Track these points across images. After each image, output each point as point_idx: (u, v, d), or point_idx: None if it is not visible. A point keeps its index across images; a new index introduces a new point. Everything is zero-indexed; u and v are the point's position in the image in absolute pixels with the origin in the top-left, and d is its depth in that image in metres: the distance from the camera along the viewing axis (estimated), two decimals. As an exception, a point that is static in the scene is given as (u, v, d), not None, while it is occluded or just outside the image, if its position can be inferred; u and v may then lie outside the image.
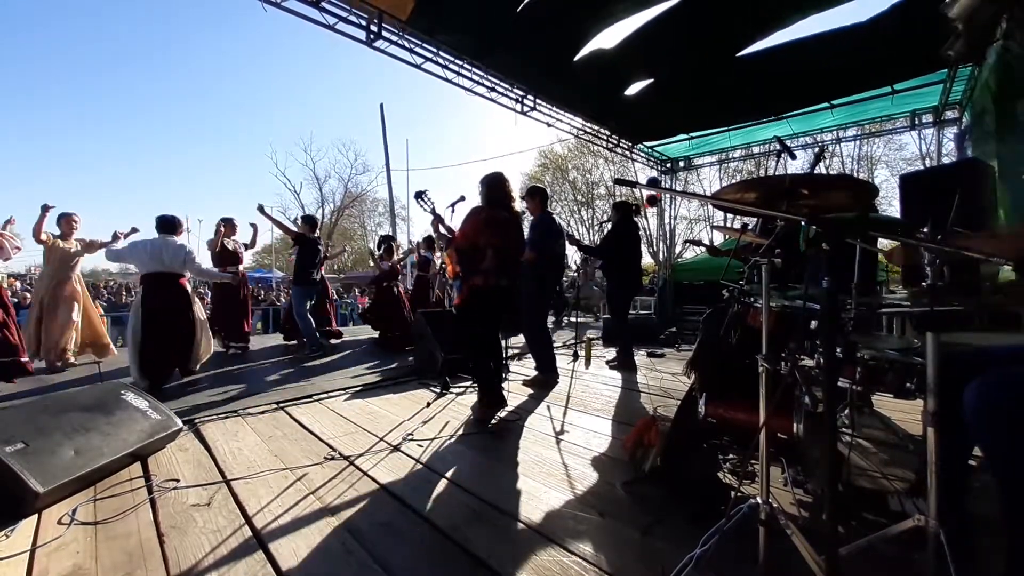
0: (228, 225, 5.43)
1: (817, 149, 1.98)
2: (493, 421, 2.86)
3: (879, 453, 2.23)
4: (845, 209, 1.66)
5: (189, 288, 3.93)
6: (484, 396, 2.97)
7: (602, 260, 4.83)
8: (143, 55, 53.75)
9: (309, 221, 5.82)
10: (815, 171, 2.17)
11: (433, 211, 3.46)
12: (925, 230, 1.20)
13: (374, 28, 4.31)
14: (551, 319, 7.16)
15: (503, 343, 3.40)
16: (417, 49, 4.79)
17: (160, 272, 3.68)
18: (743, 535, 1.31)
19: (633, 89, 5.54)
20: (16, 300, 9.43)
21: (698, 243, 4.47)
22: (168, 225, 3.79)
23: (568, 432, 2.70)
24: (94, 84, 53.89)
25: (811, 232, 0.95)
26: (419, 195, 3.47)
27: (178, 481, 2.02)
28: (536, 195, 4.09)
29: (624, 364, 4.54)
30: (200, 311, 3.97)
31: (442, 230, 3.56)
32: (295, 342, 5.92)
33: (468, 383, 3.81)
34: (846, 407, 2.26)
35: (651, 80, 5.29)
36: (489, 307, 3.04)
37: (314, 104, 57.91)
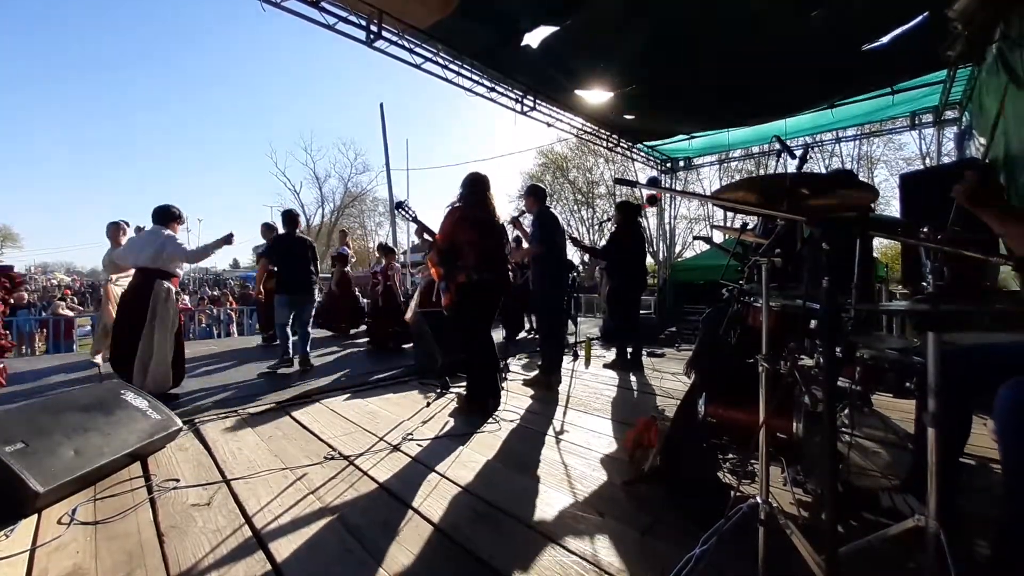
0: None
1: (801, 151, 1.98)
2: (492, 422, 2.86)
3: (879, 453, 2.23)
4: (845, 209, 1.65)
5: (165, 295, 3.30)
6: (468, 394, 3.19)
7: (606, 261, 4.83)
8: (142, 55, 53.80)
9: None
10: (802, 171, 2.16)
11: (415, 219, 3.49)
12: (925, 230, 1.20)
13: (374, 28, 4.30)
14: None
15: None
16: (417, 49, 4.79)
17: (136, 267, 3.34)
18: (743, 535, 1.31)
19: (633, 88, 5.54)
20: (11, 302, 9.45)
21: (707, 240, 4.45)
22: (158, 215, 3.43)
23: (568, 432, 2.70)
24: (94, 84, 53.92)
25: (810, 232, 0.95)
26: (399, 206, 3.52)
27: (178, 481, 2.02)
28: (532, 194, 4.11)
29: (631, 364, 4.53)
30: (164, 328, 3.26)
31: (426, 236, 3.57)
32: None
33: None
34: (846, 407, 2.26)
35: (652, 80, 5.28)
36: (476, 302, 3.14)
37: (314, 104, 58.03)
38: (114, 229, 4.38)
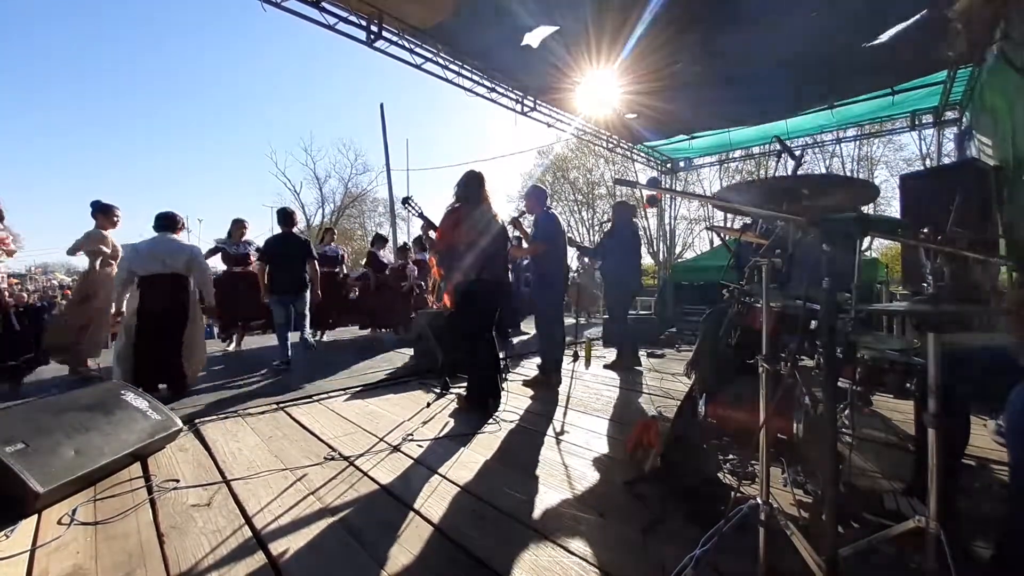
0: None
1: (798, 153, 1.98)
2: (492, 423, 2.86)
3: (879, 453, 2.23)
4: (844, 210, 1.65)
5: (192, 295, 3.67)
6: (469, 395, 3.19)
7: (600, 260, 4.84)
8: (143, 55, 53.83)
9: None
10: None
11: (421, 215, 3.47)
12: (926, 231, 1.20)
13: (374, 28, 4.31)
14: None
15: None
16: (417, 49, 4.80)
17: (159, 274, 3.45)
18: (743, 536, 1.31)
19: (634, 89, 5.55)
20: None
21: (715, 229, 4.47)
22: (168, 222, 3.59)
23: (568, 432, 2.70)
24: (94, 84, 53.98)
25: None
26: (405, 201, 3.51)
27: (178, 481, 2.02)
28: (533, 195, 4.11)
29: (628, 364, 4.53)
30: (199, 326, 3.68)
31: (432, 233, 3.57)
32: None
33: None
34: (846, 407, 2.26)
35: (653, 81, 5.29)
36: (476, 303, 3.13)
37: (314, 104, 57.92)
38: (107, 213, 4.07)
